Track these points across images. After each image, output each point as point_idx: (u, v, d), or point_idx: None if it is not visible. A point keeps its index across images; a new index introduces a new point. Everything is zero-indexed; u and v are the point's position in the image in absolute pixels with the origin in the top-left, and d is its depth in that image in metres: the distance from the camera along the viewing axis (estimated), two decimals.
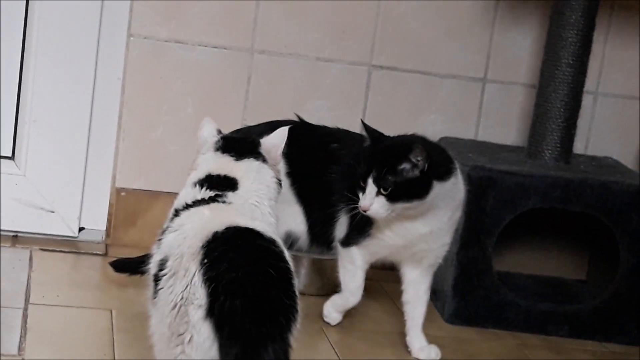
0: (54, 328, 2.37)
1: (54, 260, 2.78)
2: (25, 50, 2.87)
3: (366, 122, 2.42)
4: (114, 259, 2.67)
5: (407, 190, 2.29)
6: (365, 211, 2.30)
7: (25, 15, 2.85)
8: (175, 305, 1.81)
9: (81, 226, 2.91)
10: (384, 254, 2.47)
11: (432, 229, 2.39)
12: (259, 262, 1.82)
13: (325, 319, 2.57)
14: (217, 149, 2.10)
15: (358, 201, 2.31)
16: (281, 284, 1.82)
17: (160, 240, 1.95)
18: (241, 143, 2.13)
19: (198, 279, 1.79)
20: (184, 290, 1.81)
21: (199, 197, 2.00)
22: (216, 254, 1.81)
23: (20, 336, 2.28)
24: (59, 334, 2.34)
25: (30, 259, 2.74)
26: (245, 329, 1.76)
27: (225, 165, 2.07)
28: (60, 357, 2.22)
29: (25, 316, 2.38)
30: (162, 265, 1.89)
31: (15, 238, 2.85)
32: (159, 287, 1.87)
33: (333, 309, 2.56)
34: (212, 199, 1.99)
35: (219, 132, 2.15)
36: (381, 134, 2.39)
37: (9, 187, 2.85)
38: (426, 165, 2.28)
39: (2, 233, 2.82)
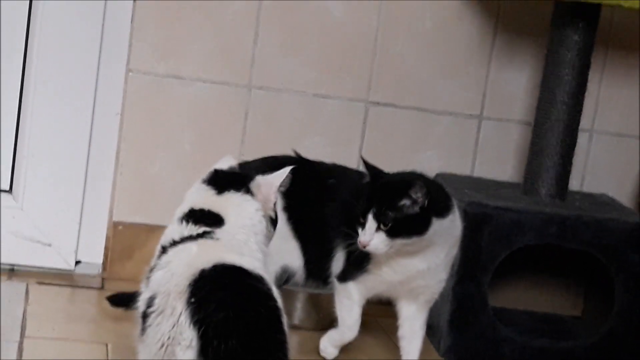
0: None
1: (50, 293, 2.77)
2: (24, 83, 2.88)
3: (365, 159, 2.43)
4: (111, 292, 2.66)
5: (406, 226, 2.29)
6: (364, 247, 2.30)
7: (25, 50, 2.87)
8: (162, 345, 1.80)
9: (78, 259, 2.91)
10: (380, 290, 2.47)
11: (429, 266, 2.40)
12: (248, 301, 1.80)
13: (322, 354, 2.57)
14: (203, 181, 2.09)
15: (356, 236, 2.32)
16: (272, 323, 1.81)
17: (148, 278, 1.94)
18: (226, 176, 2.10)
19: (185, 319, 1.78)
20: (171, 329, 1.79)
21: (186, 234, 1.98)
22: (203, 293, 1.79)
23: None
24: None
25: (27, 292, 2.73)
26: None
27: (206, 199, 2.04)
28: None
29: (20, 349, 2.38)
30: (150, 302, 1.87)
31: (12, 271, 2.85)
32: (147, 324, 1.86)
33: (330, 344, 2.56)
34: (199, 236, 1.97)
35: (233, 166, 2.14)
36: (381, 171, 2.40)
37: (6, 220, 2.85)
38: (426, 202, 2.29)
39: None
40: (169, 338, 1.79)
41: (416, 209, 2.29)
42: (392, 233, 2.28)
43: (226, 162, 2.15)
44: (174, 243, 1.96)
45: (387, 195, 2.29)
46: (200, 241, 1.95)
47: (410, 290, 2.45)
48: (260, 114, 2.93)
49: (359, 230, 2.31)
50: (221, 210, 2.02)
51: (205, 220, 1.99)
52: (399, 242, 2.30)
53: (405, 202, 2.29)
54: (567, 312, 3.08)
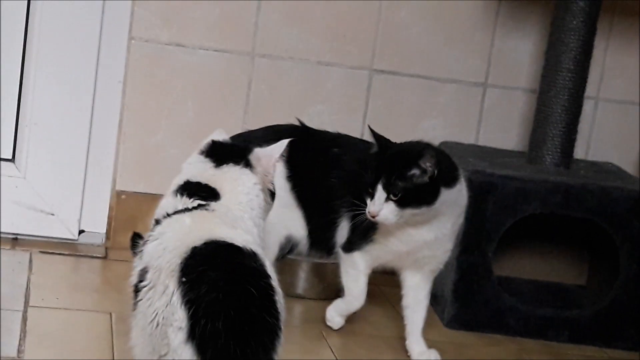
0: (53, 331, 2.36)
1: (54, 263, 2.77)
2: (26, 53, 2.87)
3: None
4: (114, 262, 2.66)
5: (416, 196, 2.28)
6: (373, 217, 2.29)
7: (27, 18, 2.85)
8: (157, 325, 1.77)
9: (81, 229, 2.91)
10: (386, 259, 2.47)
11: (436, 236, 2.39)
12: (240, 281, 1.76)
13: (328, 323, 2.57)
14: (201, 153, 2.05)
15: (364, 207, 2.31)
16: (263, 303, 1.77)
17: (141, 251, 1.89)
18: (225, 148, 2.06)
19: (177, 299, 1.75)
20: (164, 309, 1.76)
21: (180, 207, 1.94)
22: (195, 273, 1.75)
23: (20, 339, 2.28)
24: (58, 337, 2.34)
25: (30, 261, 2.73)
26: (229, 352, 1.71)
27: (204, 171, 2.01)
28: (59, 359, 2.22)
29: (24, 319, 2.38)
30: (142, 275, 1.84)
31: (15, 240, 2.85)
32: (138, 298, 1.83)
33: (336, 313, 2.56)
34: (195, 209, 1.93)
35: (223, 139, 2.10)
36: (388, 140, 2.38)
37: (9, 190, 2.84)
38: (435, 172, 2.28)
39: (2, 235, 2.81)
40: (163, 318, 1.76)
41: (425, 178, 2.28)
42: (401, 203, 2.27)
43: (218, 136, 2.10)
44: (168, 216, 1.93)
45: (397, 165, 2.28)
46: (195, 213, 1.92)
47: (415, 260, 2.44)
48: (263, 82, 2.92)
49: (368, 201, 2.30)
50: (218, 184, 1.99)
51: (200, 193, 1.96)
52: (408, 212, 2.29)
53: (415, 171, 2.28)
54: (572, 281, 3.08)
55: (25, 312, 2.42)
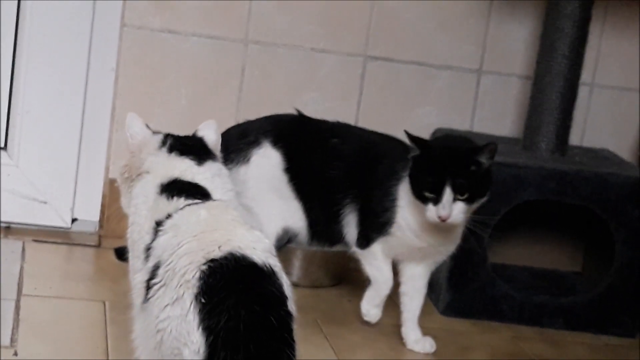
0: (46, 319, 2.36)
1: (47, 251, 2.76)
2: (17, 40, 2.86)
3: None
4: (108, 250, 2.65)
5: (477, 191, 2.30)
6: (444, 220, 2.27)
7: (18, 5, 2.84)
8: (170, 333, 1.71)
9: (74, 217, 2.90)
10: (401, 251, 2.45)
11: (458, 232, 2.39)
12: (261, 311, 1.70)
13: (365, 318, 2.51)
14: (172, 150, 1.99)
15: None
16: (282, 335, 1.72)
17: (149, 249, 1.84)
18: (193, 142, 2.03)
19: (194, 319, 1.68)
20: (178, 322, 1.70)
21: (172, 210, 1.87)
22: (215, 298, 1.68)
23: (13, 327, 2.27)
24: (51, 326, 2.33)
25: (23, 250, 2.73)
26: None
27: (187, 170, 1.96)
28: (52, 348, 2.21)
29: (17, 307, 2.37)
30: (154, 272, 1.78)
31: (8, 229, 2.84)
32: (150, 295, 1.77)
33: (370, 306, 2.50)
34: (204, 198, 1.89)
35: (147, 127, 2.06)
36: (427, 141, 2.37)
37: (1, 178, 2.83)
38: (490, 164, 2.29)
39: None
40: (177, 331, 1.70)
41: (480, 173, 2.29)
42: (469, 201, 2.28)
43: (138, 121, 2.04)
44: (169, 216, 1.86)
45: (459, 164, 2.28)
46: (209, 204, 1.87)
47: (427, 254, 2.43)
48: (257, 69, 2.91)
49: (429, 205, 2.28)
50: (205, 183, 1.95)
51: (194, 194, 1.90)
52: (471, 208, 2.30)
53: (474, 167, 2.29)
54: (567, 267, 3.08)
55: (18, 301, 2.41)
